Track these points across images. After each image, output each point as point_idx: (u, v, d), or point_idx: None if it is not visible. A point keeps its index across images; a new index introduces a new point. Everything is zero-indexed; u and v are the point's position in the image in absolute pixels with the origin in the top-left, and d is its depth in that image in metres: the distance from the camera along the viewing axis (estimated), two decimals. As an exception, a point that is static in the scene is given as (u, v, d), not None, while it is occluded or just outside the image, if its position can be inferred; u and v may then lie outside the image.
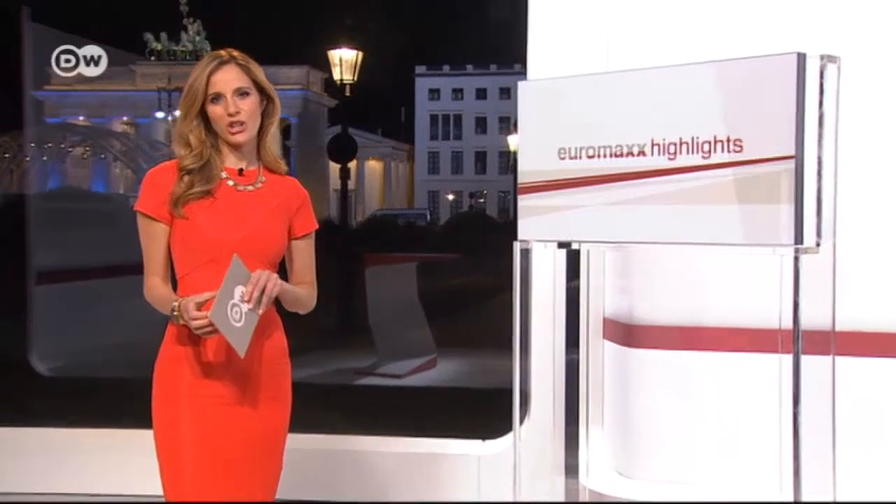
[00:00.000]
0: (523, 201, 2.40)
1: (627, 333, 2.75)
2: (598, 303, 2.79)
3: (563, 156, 2.33)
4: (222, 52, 1.96)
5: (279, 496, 2.01)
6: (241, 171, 1.98)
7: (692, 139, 2.12)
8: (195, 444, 1.88)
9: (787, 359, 2.01)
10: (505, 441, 2.96)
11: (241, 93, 1.94)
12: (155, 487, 1.93)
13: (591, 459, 2.67)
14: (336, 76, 8.76)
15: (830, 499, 2.15)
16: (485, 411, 3.13)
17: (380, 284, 6.48)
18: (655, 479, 2.70)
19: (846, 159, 2.13)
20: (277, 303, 1.95)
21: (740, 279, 2.53)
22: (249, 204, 1.96)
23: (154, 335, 2.01)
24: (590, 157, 2.28)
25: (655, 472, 2.72)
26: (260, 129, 2.00)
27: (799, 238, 1.97)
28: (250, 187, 1.98)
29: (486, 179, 21.75)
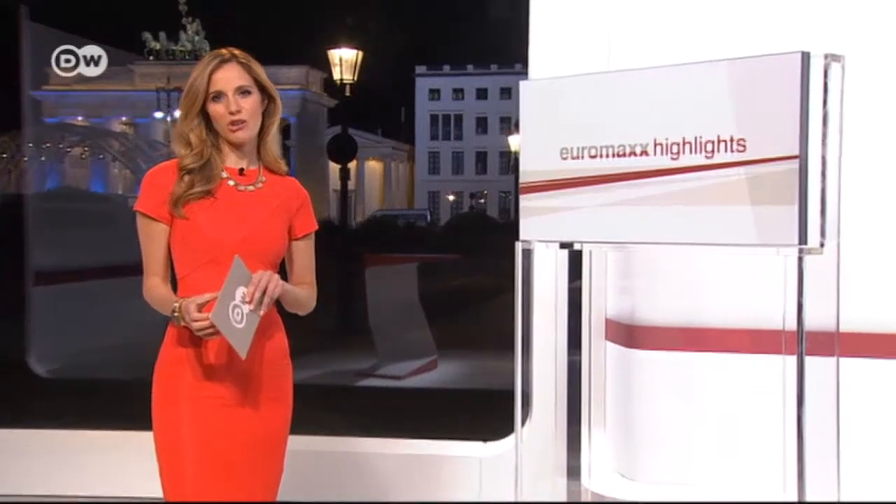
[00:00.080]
0: (525, 201, 2.39)
1: (629, 334, 2.74)
2: (600, 304, 2.78)
3: (565, 156, 2.31)
4: (224, 51, 1.96)
5: (279, 498, 2.01)
6: (241, 170, 1.98)
7: (695, 139, 2.10)
8: (196, 445, 1.88)
9: (791, 360, 2.00)
10: (506, 443, 2.96)
11: (243, 91, 1.93)
12: (155, 489, 1.93)
13: (593, 461, 2.66)
14: (336, 76, 8.76)
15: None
16: (486, 413, 3.12)
17: (380, 285, 6.48)
18: (658, 481, 2.69)
19: (850, 159, 2.11)
20: (278, 304, 1.94)
21: (743, 280, 2.51)
22: (250, 204, 1.95)
23: (153, 336, 2.00)
24: (592, 156, 2.26)
25: (658, 474, 2.71)
26: (261, 128, 2.00)
27: (803, 238, 1.95)
28: (251, 187, 1.97)
29: (487, 180, 21.78)
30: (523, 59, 2.93)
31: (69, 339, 5.04)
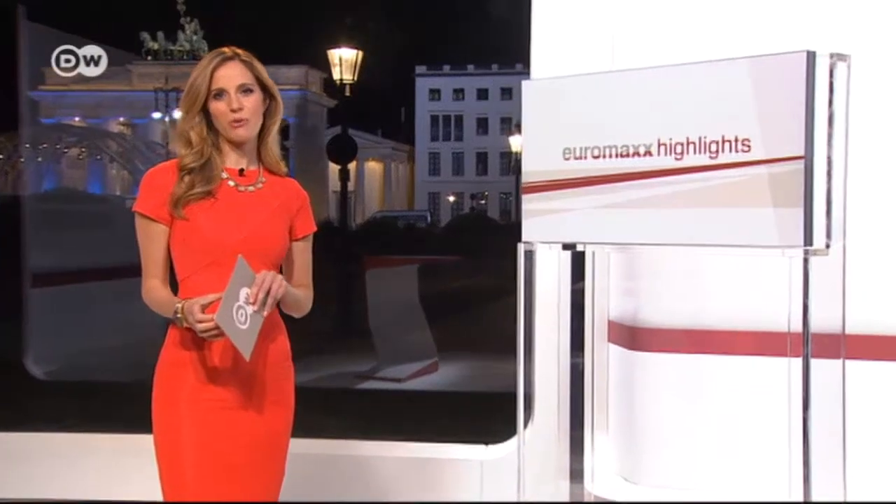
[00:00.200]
0: (527, 202, 2.38)
1: (632, 336, 2.72)
2: (603, 305, 2.76)
3: (567, 156, 2.30)
4: (226, 49, 1.95)
5: (280, 501, 1.99)
6: (241, 171, 1.97)
7: (699, 139, 2.09)
8: (196, 448, 1.86)
9: (797, 362, 1.98)
10: (508, 446, 2.93)
11: (245, 89, 1.92)
12: (154, 492, 1.91)
13: (596, 464, 2.64)
14: (336, 76, 8.75)
15: (841, 505, 2.12)
16: (487, 415, 3.10)
17: (380, 287, 6.47)
18: (661, 485, 2.67)
19: (856, 159, 2.09)
20: (277, 305, 1.92)
21: (748, 281, 2.50)
22: (251, 204, 1.94)
23: (151, 338, 1.99)
24: (595, 157, 2.25)
25: (661, 478, 2.69)
26: (262, 129, 1.98)
27: (808, 239, 1.93)
28: (251, 188, 1.96)
29: (488, 181, 21.77)
30: (524, 58, 2.92)
31: (67, 341, 5.03)
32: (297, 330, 2.07)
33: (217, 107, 1.91)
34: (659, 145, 2.14)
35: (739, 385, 2.56)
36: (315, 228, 2.08)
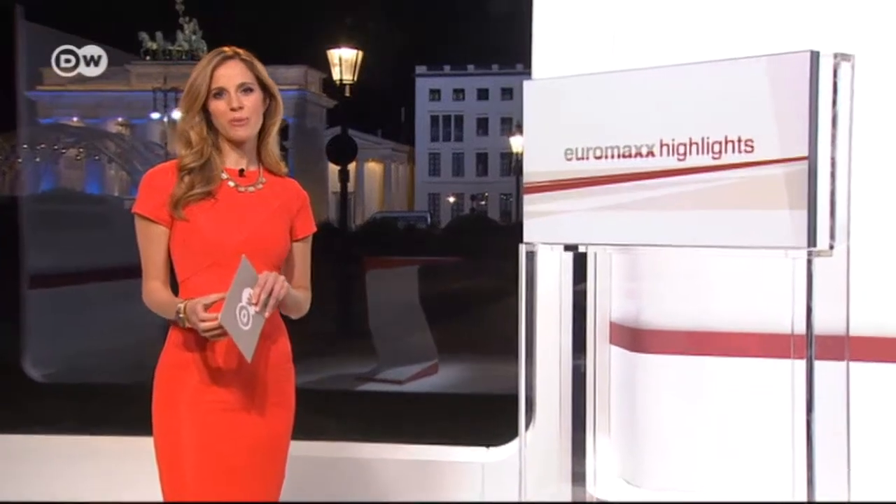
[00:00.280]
0: (529, 203, 2.36)
1: (635, 338, 2.71)
2: (605, 307, 2.75)
3: (569, 156, 2.29)
4: (226, 49, 1.95)
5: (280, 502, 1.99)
6: (241, 171, 1.96)
7: (702, 139, 2.07)
8: (197, 450, 1.86)
9: (800, 364, 1.97)
10: (509, 448, 2.92)
11: (245, 89, 1.92)
12: (154, 495, 1.91)
13: (598, 467, 2.63)
14: (336, 76, 8.73)
15: (845, 508, 2.10)
16: (488, 418, 3.09)
17: (380, 288, 6.46)
18: (664, 488, 2.66)
19: (860, 160, 2.08)
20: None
21: (751, 282, 2.49)
22: (251, 205, 1.93)
23: (150, 340, 1.98)
24: (597, 157, 2.24)
25: (664, 480, 2.68)
26: (262, 129, 1.98)
27: (812, 241, 1.92)
28: (251, 188, 1.96)
29: (488, 181, 21.72)
30: (525, 59, 2.91)
31: (65, 343, 5.01)
32: (297, 331, 2.07)
33: (217, 106, 1.91)
34: (661, 146, 2.13)
35: (742, 387, 2.55)
36: (315, 229, 2.08)
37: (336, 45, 8.74)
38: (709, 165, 2.06)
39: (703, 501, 2.52)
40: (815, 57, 1.92)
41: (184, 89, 1.97)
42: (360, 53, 8.71)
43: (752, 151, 1.99)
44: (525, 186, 2.37)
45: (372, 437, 3.24)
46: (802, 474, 1.97)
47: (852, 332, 2.07)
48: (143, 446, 2.02)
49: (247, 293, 1.76)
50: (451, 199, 22.47)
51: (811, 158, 1.91)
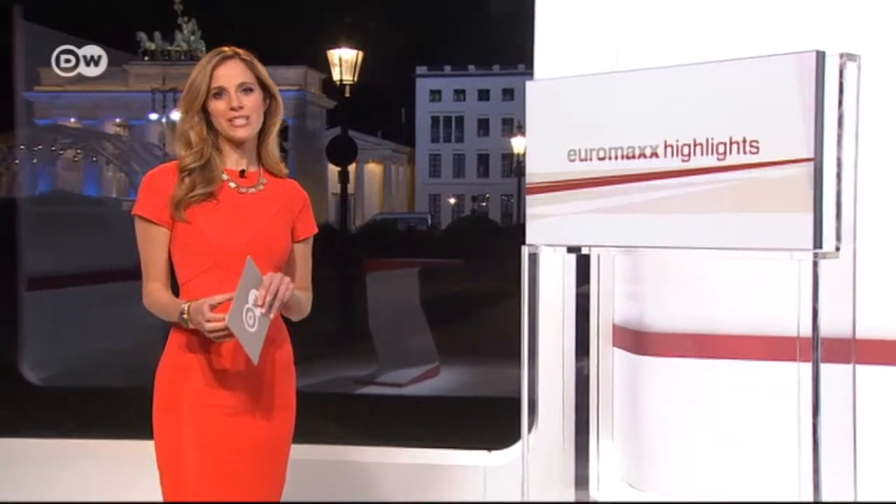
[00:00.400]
0: (531, 204, 2.35)
1: (638, 341, 2.69)
2: (608, 309, 2.73)
3: (572, 157, 2.27)
4: (226, 48, 1.94)
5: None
6: (242, 172, 1.95)
7: (707, 140, 2.06)
8: (198, 453, 1.85)
9: (806, 367, 1.95)
10: (512, 452, 2.91)
11: (245, 88, 1.91)
12: (154, 499, 1.90)
13: (602, 471, 2.62)
14: (336, 76, 8.71)
15: (852, 512, 2.09)
16: (489, 421, 3.07)
17: (380, 290, 6.44)
18: (667, 492, 2.65)
19: (866, 161, 2.06)
20: (277, 310, 1.90)
21: (756, 285, 2.47)
22: (252, 206, 1.92)
23: (149, 342, 1.96)
24: (600, 158, 2.22)
25: (667, 485, 2.66)
26: (262, 130, 1.97)
27: (818, 242, 1.91)
28: (252, 189, 1.95)
29: (489, 182, 21.71)
30: (526, 59, 2.90)
31: (63, 346, 5.00)
32: (297, 334, 2.06)
33: (217, 106, 1.90)
34: (665, 147, 2.12)
35: (747, 390, 2.53)
36: (316, 230, 2.07)
37: (336, 46, 8.72)
38: (713, 166, 2.04)
39: (706, 502, 2.50)
40: (820, 57, 1.91)
41: (183, 90, 1.96)
42: (361, 54, 8.69)
43: (757, 152, 1.98)
44: (528, 188, 2.36)
45: (372, 441, 3.22)
46: (808, 478, 1.96)
47: (859, 335, 2.06)
48: (142, 450, 2.01)
49: (252, 295, 1.75)
50: (452, 201, 22.46)
51: (817, 159, 1.90)
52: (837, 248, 1.97)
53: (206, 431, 1.85)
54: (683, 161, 2.09)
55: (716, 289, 2.56)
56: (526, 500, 2.40)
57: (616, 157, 2.20)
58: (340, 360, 6.44)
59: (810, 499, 1.96)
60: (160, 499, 1.88)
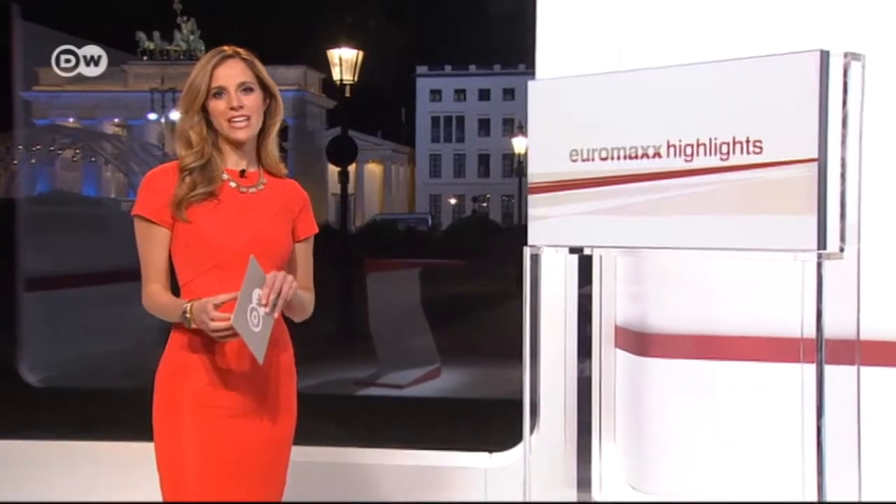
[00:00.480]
0: (533, 205, 2.34)
1: (640, 342, 2.68)
2: (610, 310, 2.72)
3: (574, 157, 2.26)
4: (226, 48, 1.92)
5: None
6: (242, 172, 1.94)
7: (710, 140, 2.05)
8: (199, 454, 1.83)
9: (810, 369, 1.94)
10: (513, 454, 2.89)
11: (245, 88, 1.89)
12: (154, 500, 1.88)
13: (604, 472, 2.60)
14: (336, 76, 8.70)
15: (856, 515, 2.07)
16: (490, 423, 3.06)
17: (380, 291, 6.44)
18: (670, 494, 2.63)
19: (871, 161, 2.05)
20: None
21: (759, 285, 2.46)
22: (253, 206, 1.91)
23: (148, 343, 1.95)
24: (603, 158, 2.21)
25: (670, 486, 2.65)
26: (261, 130, 1.96)
27: (822, 243, 1.90)
28: (253, 189, 1.94)
29: (490, 183, 21.73)
30: (527, 58, 2.88)
31: (62, 347, 4.99)
32: (297, 335, 2.04)
33: (216, 105, 1.89)
34: (668, 147, 2.11)
35: (750, 392, 2.51)
36: (317, 230, 2.06)
37: (336, 45, 8.71)
38: (716, 167, 2.03)
39: (708, 502, 2.49)
40: (825, 56, 1.90)
41: (182, 90, 1.94)
42: (361, 53, 8.68)
43: (760, 152, 1.97)
44: (529, 188, 2.34)
45: (373, 443, 3.21)
46: (812, 480, 1.94)
47: (863, 336, 2.04)
48: (142, 451, 2.00)
49: (256, 294, 1.74)
50: (453, 201, 22.48)
51: (821, 159, 1.89)
52: (841, 249, 1.95)
53: (207, 433, 1.84)
54: (686, 161, 2.08)
55: (718, 290, 2.55)
56: (527, 502, 2.39)
57: (618, 158, 2.18)
58: (341, 362, 6.43)
59: (814, 500, 1.94)
60: (160, 499, 1.86)
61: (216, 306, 1.74)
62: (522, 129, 2.47)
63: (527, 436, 2.39)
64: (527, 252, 2.34)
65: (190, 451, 1.83)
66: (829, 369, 1.92)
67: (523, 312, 2.35)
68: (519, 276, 2.36)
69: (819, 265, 1.89)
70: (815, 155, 1.88)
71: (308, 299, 1.99)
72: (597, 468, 2.62)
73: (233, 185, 1.91)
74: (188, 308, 1.79)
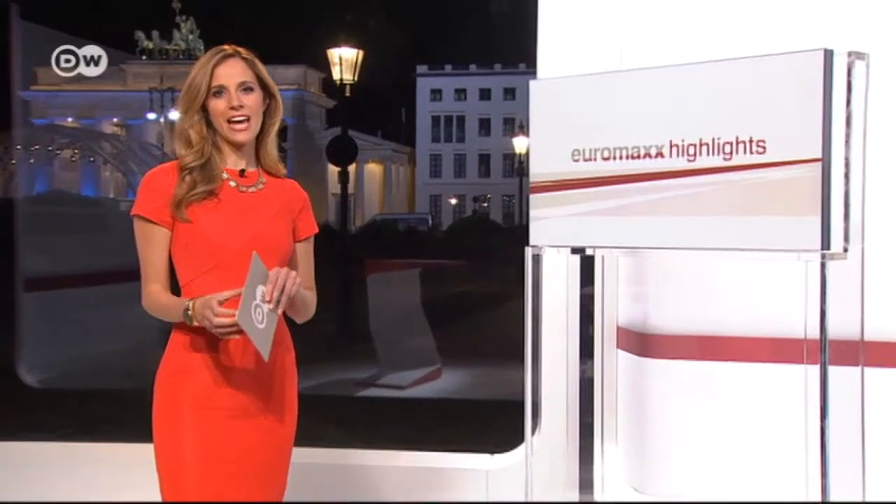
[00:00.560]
0: (535, 205, 2.33)
1: (642, 343, 2.67)
2: (612, 311, 2.72)
3: (576, 157, 2.25)
4: (226, 47, 1.92)
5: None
6: (242, 172, 1.93)
7: (713, 140, 2.03)
8: (199, 456, 1.83)
9: (814, 370, 1.93)
10: (514, 455, 2.89)
11: (245, 87, 1.89)
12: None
13: (606, 474, 2.59)
14: (336, 76, 8.70)
15: (860, 517, 2.06)
16: (491, 424, 3.05)
17: (380, 291, 6.43)
18: (672, 495, 2.63)
19: (875, 161, 2.03)
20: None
21: (763, 286, 2.45)
22: (253, 206, 1.91)
23: (148, 344, 1.94)
24: (605, 158, 2.20)
25: (672, 488, 2.64)
26: (261, 129, 1.95)
27: (826, 243, 1.89)
28: (252, 188, 1.93)
29: (490, 183, 21.74)
30: (528, 58, 2.87)
31: (61, 348, 4.98)
32: (297, 335, 2.04)
33: (216, 105, 1.88)
34: (671, 146, 2.10)
35: (753, 393, 2.50)
36: (317, 229, 2.06)
37: (336, 45, 8.70)
38: (719, 166, 2.02)
39: (709, 502, 2.48)
40: (828, 55, 1.89)
41: (181, 89, 1.94)
42: (361, 53, 8.67)
43: (763, 152, 1.96)
44: (531, 188, 2.34)
45: (374, 444, 3.21)
46: (816, 482, 1.93)
47: (867, 337, 2.03)
48: (142, 452, 1.99)
49: (260, 290, 1.73)
50: (453, 201, 22.48)
51: (825, 159, 1.88)
52: (845, 249, 1.94)
53: (207, 434, 1.83)
54: (689, 161, 2.07)
55: (721, 290, 2.54)
56: (529, 503, 2.38)
57: (620, 157, 2.17)
58: (341, 362, 6.42)
59: (817, 501, 1.93)
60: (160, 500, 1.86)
61: (220, 303, 1.73)
62: (523, 129, 2.46)
63: (528, 437, 2.38)
64: (528, 252, 2.33)
65: (190, 452, 1.83)
66: (832, 370, 1.91)
67: (524, 313, 2.34)
68: (520, 277, 2.35)
69: (823, 266, 1.88)
70: (818, 155, 1.87)
71: (310, 298, 1.99)
72: (599, 469, 2.61)
73: (232, 184, 1.90)
74: (190, 305, 1.78)
